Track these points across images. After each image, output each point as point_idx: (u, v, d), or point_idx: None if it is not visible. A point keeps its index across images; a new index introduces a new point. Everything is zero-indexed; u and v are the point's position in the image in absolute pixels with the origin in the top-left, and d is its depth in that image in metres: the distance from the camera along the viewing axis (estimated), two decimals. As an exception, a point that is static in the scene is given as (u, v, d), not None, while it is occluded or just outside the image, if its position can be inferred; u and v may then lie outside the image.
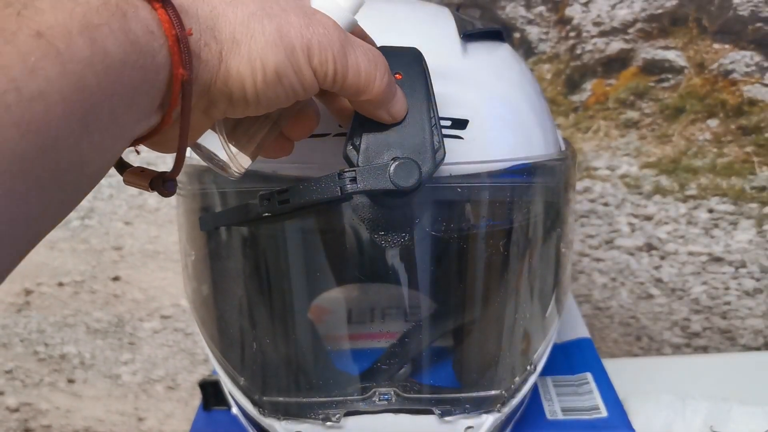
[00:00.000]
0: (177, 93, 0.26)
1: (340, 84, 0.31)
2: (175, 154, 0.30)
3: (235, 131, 0.34)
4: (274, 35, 0.28)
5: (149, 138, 0.28)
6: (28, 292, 0.96)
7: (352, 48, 0.31)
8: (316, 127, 0.36)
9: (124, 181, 0.32)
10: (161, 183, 0.31)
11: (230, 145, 0.34)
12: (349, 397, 0.45)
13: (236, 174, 0.35)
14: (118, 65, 0.23)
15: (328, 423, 0.44)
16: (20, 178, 0.21)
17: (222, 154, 0.34)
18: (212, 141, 0.34)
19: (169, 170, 0.31)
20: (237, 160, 0.34)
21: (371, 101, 0.33)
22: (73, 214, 0.90)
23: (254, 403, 0.47)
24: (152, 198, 0.87)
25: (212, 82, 0.28)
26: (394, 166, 0.35)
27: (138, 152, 0.30)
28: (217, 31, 0.28)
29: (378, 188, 0.35)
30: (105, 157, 0.25)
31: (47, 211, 0.23)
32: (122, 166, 0.32)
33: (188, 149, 0.35)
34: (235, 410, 0.52)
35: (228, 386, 0.50)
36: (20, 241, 0.23)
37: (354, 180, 0.35)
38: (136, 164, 0.32)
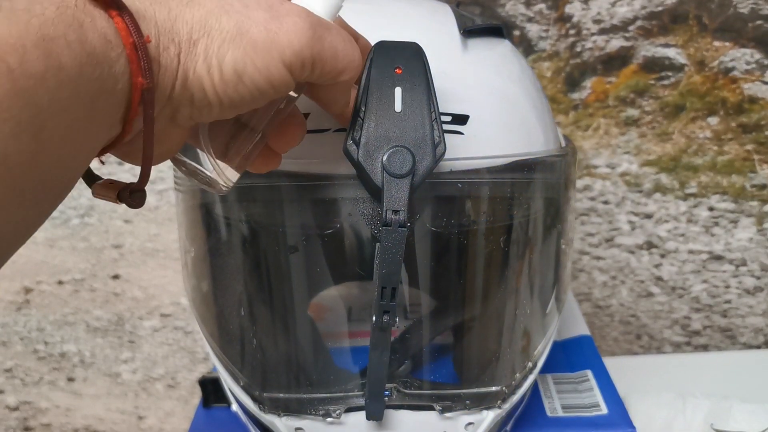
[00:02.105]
0: (137, 102, 0.26)
1: (320, 69, 0.30)
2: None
3: (220, 146, 0.33)
4: (232, 32, 0.27)
5: (112, 148, 0.28)
6: (27, 291, 0.96)
7: (327, 31, 0.30)
8: (301, 140, 0.35)
9: (93, 194, 0.31)
10: (128, 194, 0.30)
11: (216, 159, 0.33)
12: (349, 393, 0.45)
13: (224, 189, 0.34)
14: (73, 78, 0.23)
15: (329, 419, 0.44)
16: None
17: (208, 169, 0.33)
18: (197, 156, 0.33)
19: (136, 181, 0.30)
20: (224, 174, 0.33)
21: (351, 78, 0.32)
22: (72, 212, 0.90)
23: (254, 399, 0.47)
24: (152, 196, 0.86)
25: (172, 86, 0.27)
26: (387, 154, 0.35)
27: (102, 162, 0.30)
28: (175, 34, 0.27)
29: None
30: (67, 172, 0.25)
31: (8, 230, 0.23)
32: (91, 179, 0.31)
33: (173, 167, 0.35)
34: (235, 407, 0.52)
35: (228, 383, 0.50)
36: None
37: (396, 212, 0.35)
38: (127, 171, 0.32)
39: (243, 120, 0.33)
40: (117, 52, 0.25)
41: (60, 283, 0.95)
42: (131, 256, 0.93)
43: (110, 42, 0.24)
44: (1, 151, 0.21)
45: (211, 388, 0.56)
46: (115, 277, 0.94)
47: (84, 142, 0.25)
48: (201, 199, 0.48)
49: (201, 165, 0.33)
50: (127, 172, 0.83)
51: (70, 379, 1.02)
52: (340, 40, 0.30)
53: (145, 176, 0.29)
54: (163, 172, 0.83)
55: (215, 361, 0.50)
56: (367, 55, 0.36)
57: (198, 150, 0.33)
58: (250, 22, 0.28)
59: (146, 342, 0.98)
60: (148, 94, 0.26)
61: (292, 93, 0.32)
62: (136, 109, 0.26)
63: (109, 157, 0.29)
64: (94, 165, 0.30)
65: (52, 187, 0.24)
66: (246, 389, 0.47)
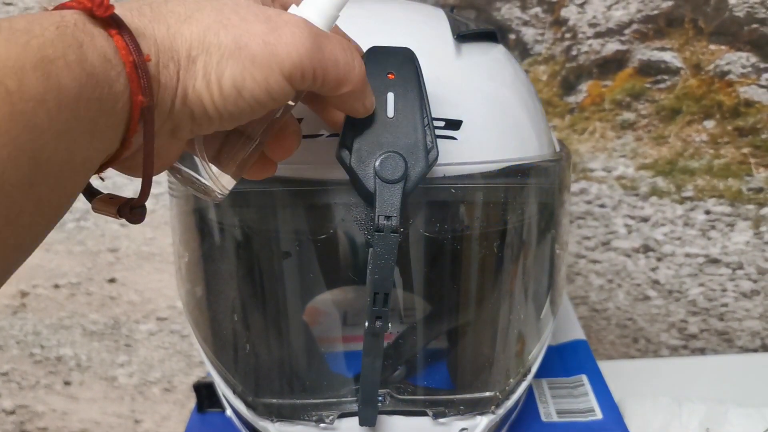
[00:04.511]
0: (136, 120, 0.26)
1: (321, 80, 0.29)
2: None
3: (216, 153, 0.33)
4: (230, 47, 0.27)
5: (111, 164, 0.28)
6: (23, 294, 0.96)
7: (326, 40, 0.29)
8: (297, 148, 0.35)
9: (93, 208, 0.31)
10: (129, 210, 0.30)
11: (211, 167, 0.33)
12: (342, 399, 0.45)
13: (219, 197, 0.34)
14: (73, 99, 0.22)
15: (322, 425, 0.44)
16: None
17: (204, 177, 0.33)
18: (192, 164, 0.33)
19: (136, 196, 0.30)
20: (220, 181, 0.33)
21: (351, 92, 0.32)
22: (68, 216, 0.90)
23: (248, 404, 0.47)
24: (148, 200, 0.86)
25: (172, 103, 0.27)
26: (379, 160, 0.35)
27: (102, 179, 0.29)
28: (174, 51, 0.27)
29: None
30: (65, 192, 0.24)
31: (2, 255, 0.22)
32: (91, 194, 0.31)
33: (166, 173, 0.35)
34: (229, 412, 0.52)
35: (222, 388, 0.50)
36: None
37: (389, 218, 0.35)
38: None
39: (239, 128, 0.33)
40: (117, 71, 0.24)
41: (56, 286, 0.95)
42: (127, 260, 0.93)
43: (110, 61, 0.24)
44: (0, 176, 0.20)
45: (205, 393, 0.56)
46: (111, 280, 0.94)
47: (83, 162, 0.25)
48: (195, 204, 0.48)
49: (197, 173, 0.33)
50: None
51: (67, 383, 1.02)
52: (340, 50, 0.30)
53: (145, 192, 0.29)
54: (159, 176, 0.83)
55: (209, 366, 0.50)
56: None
57: (194, 158, 0.33)
58: (248, 35, 0.27)
59: (142, 346, 0.98)
60: (148, 112, 0.26)
61: (289, 101, 0.32)
62: (136, 126, 0.26)
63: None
64: (95, 181, 0.30)
65: (48, 209, 0.24)
66: (239, 394, 0.47)
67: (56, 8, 0.25)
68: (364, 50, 0.37)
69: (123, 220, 0.31)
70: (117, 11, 0.25)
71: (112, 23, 0.25)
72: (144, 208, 0.30)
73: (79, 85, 0.23)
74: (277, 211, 0.45)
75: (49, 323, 0.98)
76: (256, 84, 0.28)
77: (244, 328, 0.48)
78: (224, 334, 0.50)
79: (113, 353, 0.99)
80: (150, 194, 0.30)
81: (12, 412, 1.05)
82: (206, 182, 0.33)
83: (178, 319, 0.96)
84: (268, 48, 0.27)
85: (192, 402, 0.58)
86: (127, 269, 0.93)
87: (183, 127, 0.29)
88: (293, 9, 0.32)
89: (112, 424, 1.04)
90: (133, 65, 0.25)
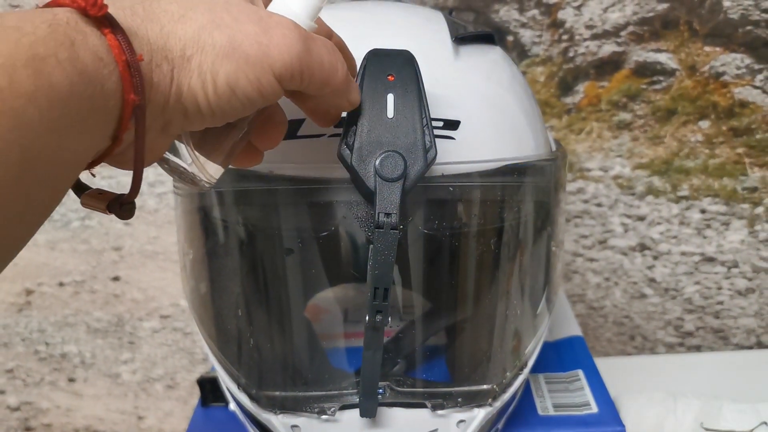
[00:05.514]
0: (128, 118, 0.26)
1: (308, 80, 0.30)
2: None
3: (202, 141, 0.33)
4: (225, 47, 0.28)
5: (102, 160, 0.28)
6: (28, 292, 0.97)
7: (314, 43, 0.30)
8: (283, 137, 0.36)
9: (82, 203, 0.31)
10: (119, 206, 0.30)
11: (198, 155, 0.33)
12: (344, 391, 0.46)
13: (206, 185, 0.34)
14: (64, 97, 0.23)
15: (324, 416, 0.45)
16: None
17: (191, 167, 0.33)
18: (180, 154, 0.33)
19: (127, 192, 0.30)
20: (207, 170, 0.33)
21: (335, 91, 0.32)
22: (73, 215, 0.91)
23: (251, 397, 0.48)
24: (151, 199, 0.88)
25: (166, 102, 0.28)
26: (379, 159, 0.36)
27: (93, 175, 0.29)
28: (168, 51, 0.27)
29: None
30: (54, 187, 0.25)
31: None
32: (80, 189, 0.31)
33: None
34: (232, 406, 0.53)
35: (226, 382, 0.51)
36: None
37: (388, 215, 0.36)
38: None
39: None
40: (109, 70, 0.25)
41: (61, 284, 0.96)
42: (131, 259, 0.94)
43: (102, 59, 0.24)
44: None
45: (209, 388, 0.57)
46: (115, 279, 0.95)
47: (73, 158, 0.25)
48: (199, 202, 0.49)
49: (184, 162, 0.33)
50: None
51: (71, 380, 1.03)
52: (325, 52, 0.31)
53: (135, 188, 0.29)
54: (162, 175, 0.85)
55: (213, 361, 0.51)
56: (346, 54, 0.37)
57: (181, 148, 0.33)
58: (242, 36, 0.28)
59: (146, 343, 0.99)
60: (140, 110, 0.26)
61: None
62: (127, 124, 0.26)
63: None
64: (84, 176, 0.30)
65: (37, 204, 0.24)
66: (243, 388, 0.48)
67: (48, 5, 0.25)
68: (365, 53, 0.38)
69: (127, 219, 0.31)
70: (110, 10, 0.25)
71: (105, 22, 0.25)
72: (133, 204, 0.30)
73: (71, 83, 0.23)
74: (280, 209, 0.46)
75: (53, 321, 0.99)
76: (249, 83, 0.28)
77: (248, 323, 0.49)
78: (229, 330, 0.51)
79: (117, 350, 1.00)
80: (154, 193, 0.30)
81: (17, 409, 1.06)
82: (193, 171, 0.33)
83: (181, 317, 0.97)
84: (261, 48, 0.28)
85: (194, 398, 0.59)
86: (130, 267, 0.94)
87: (175, 123, 0.29)
88: (277, 2, 0.33)
89: (115, 420, 1.05)
90: (126, 64, 0.25)
